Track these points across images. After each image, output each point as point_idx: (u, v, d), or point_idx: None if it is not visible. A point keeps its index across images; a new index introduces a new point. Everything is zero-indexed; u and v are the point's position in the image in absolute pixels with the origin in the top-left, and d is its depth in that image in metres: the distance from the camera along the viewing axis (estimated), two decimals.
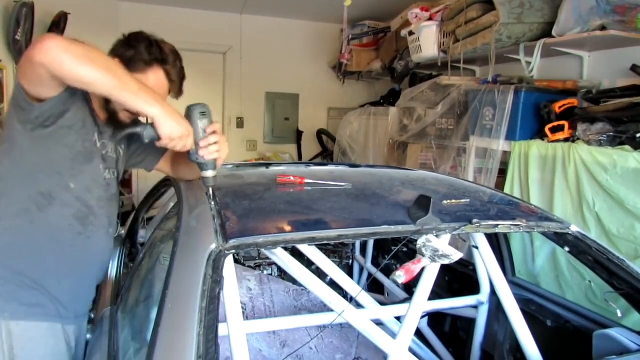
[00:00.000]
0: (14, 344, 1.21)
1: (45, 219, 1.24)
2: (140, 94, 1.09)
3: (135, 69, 1.26)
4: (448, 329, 1.90)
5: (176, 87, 1.37)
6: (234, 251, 1.01)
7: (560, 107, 2.18)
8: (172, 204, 1.84)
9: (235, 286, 1.06)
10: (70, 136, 1.24)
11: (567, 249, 1.37)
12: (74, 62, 1.03)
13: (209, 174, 1.21)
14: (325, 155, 4.94)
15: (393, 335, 1.24)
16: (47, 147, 1.22)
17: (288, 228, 1.12)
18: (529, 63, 2.62)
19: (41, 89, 1.13)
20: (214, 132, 1.20)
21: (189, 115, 1.19)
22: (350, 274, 2.53)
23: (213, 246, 1.01)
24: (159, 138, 1.14)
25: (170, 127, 1.12)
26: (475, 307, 1.65)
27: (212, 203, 1.19)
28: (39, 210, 1.23)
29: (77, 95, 1.23)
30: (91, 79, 1.05)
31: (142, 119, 1.25)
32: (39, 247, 1.25)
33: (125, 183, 4.40)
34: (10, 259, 1.23)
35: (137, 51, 1.29)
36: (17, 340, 1.21)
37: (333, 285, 1.42)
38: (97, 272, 1.43)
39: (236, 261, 2.27)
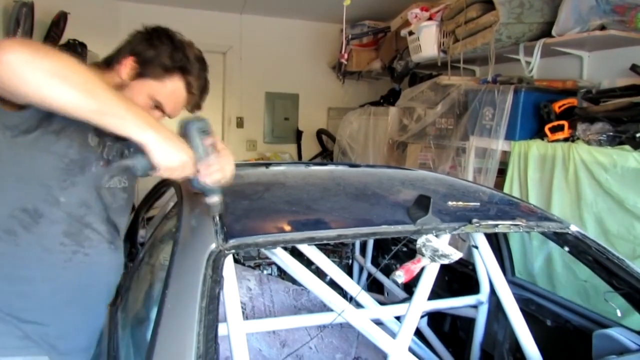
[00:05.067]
0: None
1: (32, 240, 1.04)
2: (127, 118, 0.89)
3: (151, 73, 1.10)
4: (448, 329, 1.90)
5: (195, 100, 1.18)
6: (233, 251, 1.01)
7: (559, 107, 2.18)
8: (172, 204, 1.84)
9: (235, 286, 1.06)
10: (60, 142, 1.02)
11: (566, 248, 1.37)
12: (40, 79, 0.81)
13: (214, 199, 1.03)
14: (325, 155, 4.94)
15: (393, 335, 1.24)
16: (32, 155, 1.01)
17: (288, 228, 1.12)
18: (528, 63, 2.62)
19: (14, 98, 0.90)
20: (213, 147, 1.01)
21: (185, 134, 1.00)
22: (350, 273, 2.52)
23: (213, 246, 1.01)
24: (153, 168, 0.96)
25: (167, 155, 0.92)
26: (475, 306, 1.65)
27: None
28: (25, 230, 1.03)
29: None
30: (63, 102, 0.84)
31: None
32: (29, 274, 1.06)
33: None
34: None
35: (158, 53, 1.11)
36: None
37: (333, 285, 1.42)
38: (104, 295, 1.22)
39: (236, 261, 2.27)
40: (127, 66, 1.11)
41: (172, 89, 1.12)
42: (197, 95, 1.17)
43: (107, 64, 1.15)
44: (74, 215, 1.08)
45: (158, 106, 1.13)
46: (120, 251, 1.23)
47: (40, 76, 0.81)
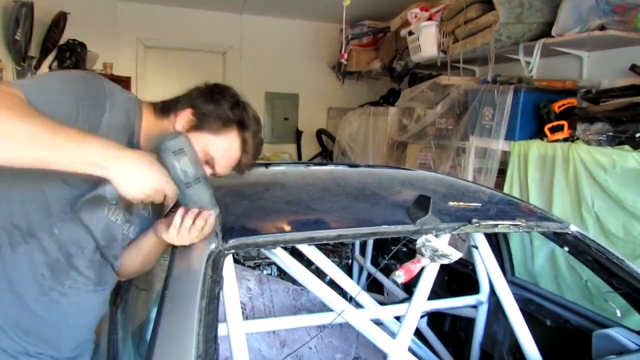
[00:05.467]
0: None
1: (12, 259, 0.96)
2: (76, 159, 0.81)
3: (208, 126, 1.05)
4: (447, 329, 1.90)
5: (247, 160, 1.12)
6: (233, 251, 1.01)
7: (559, 107, 2.18)
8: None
9: (234, 286, 1.06)
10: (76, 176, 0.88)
11: (566, 248, 1.38)
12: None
13: (212, 215, 1.00)
14: (325, 155, 4.94)
15: (392, 335, 1.24)
16: (49, 178, 0.95)
17: (287, 228, 1.12)
18: (528, 63, 2.62)
19: None
20: (195, 165, 0.96)
21: (160, 156, 0.93)
22: (349, 273, 2.52)
23: (212, 246, 1.01)
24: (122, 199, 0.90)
25: (133, 185, 0.87)
26: (475, 306, 1.65)
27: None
28: (9, 247, 0.96)
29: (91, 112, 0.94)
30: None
31: None
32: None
33: None
34: None
35: (217, 106, 1.06)
36: None
37: (332, 285, 1.42)
38: (77, 332, 1.10)
39: (236, 261, 2.27)
40: (184, 118, 1.06)
41: (227, 144, 1.08)
42: (250, 155, 1.12)
43: (163, 110, 1.10)
44: (63, 252, 1.00)
45: (209, 162, 1.08)
46: (108, 289, 1.14)
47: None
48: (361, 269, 2.52)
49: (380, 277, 2.14)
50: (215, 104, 1.07)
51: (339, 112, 5.05)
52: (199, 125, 1.05)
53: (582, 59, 2.51)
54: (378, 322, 1.38)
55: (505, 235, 1.73)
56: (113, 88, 1.00)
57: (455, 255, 1.08)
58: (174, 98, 1.11)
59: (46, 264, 0.99)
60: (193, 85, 1.12)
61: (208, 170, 1.08)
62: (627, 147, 1.84)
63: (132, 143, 1.04)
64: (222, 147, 1.07)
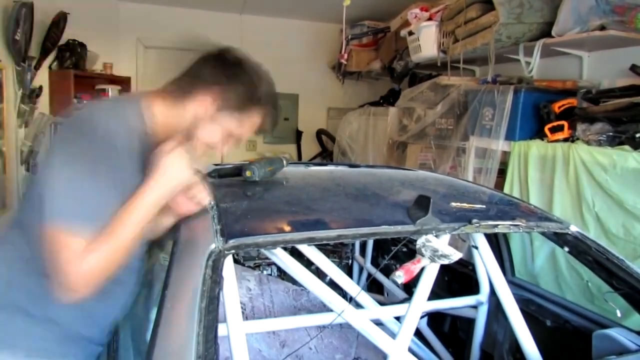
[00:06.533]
0: None
1: None
2: (141, 217, 0.99)
3: (228, 108, 1.10)
4: (447, 329, 1.90)
5: (268, 127, 1.20)
6: (233, 251, 1.01)
7: (559, 107, 2.18)
8: None
9: (234, 286, 1.06)
10: None
11: (566, 249, 1.37)
12: (106, 272, 0.96)
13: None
14: (325, 155, 4.94)
15: (392, 335, 1.24)
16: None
17: (287, 228, 1.12)
18: (528, 63, 2.62)
19: None
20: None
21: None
22: (349, 274, 2.52)
23: (212, 246, 1.01)
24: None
25: (181, 205, 1.13)
26: (475, 307, 1.65)
27: (212, 203, 1.18)
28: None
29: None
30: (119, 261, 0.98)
31: None
32: None
33: None
34: None
35: (236, 86, 1.11)
36: None
37: (332, 285, 1.42)
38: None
39: (236, 261, 2.27)
40: (203, 104, 1.09)
41: (250, 121, 1.13)
42: (272, 121, 1.18)
43: (177, 98, 1.12)
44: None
45: (232, 136, 1.14)
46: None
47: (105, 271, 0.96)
48: (361, 269, 2.51)
49: (380, 277, 2.14)
50: (233, 84, 1.08)
51: (339, 112, 5.05)
52: (220, 108, 1.08)
53: (582, 59, 2.51)
54: (378, 323, 1.38)
55: (505, 235, 1.73)
56: (112, 130, 1.00)
57: (456, 255, 1.08)
58: (186, 81, 1.13)
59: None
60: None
61: (231, 141, 1.16)
62: (627, 147, 1.84)
63: (144, 144, 1.06)
64: (246, 125, 1.12)
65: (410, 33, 3.27)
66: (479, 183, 2.30)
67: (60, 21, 3.74)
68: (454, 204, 1.32)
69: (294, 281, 2.05)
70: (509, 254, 1.75)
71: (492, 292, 1.57)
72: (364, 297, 1.52)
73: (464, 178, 2.48)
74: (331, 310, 1.30)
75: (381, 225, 1.13)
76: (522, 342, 1.40)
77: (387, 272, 1.93)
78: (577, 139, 2.04)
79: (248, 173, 1.30)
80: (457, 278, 1.91)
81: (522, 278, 1.79)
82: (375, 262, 2.39)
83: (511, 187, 2.34)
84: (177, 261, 1.05)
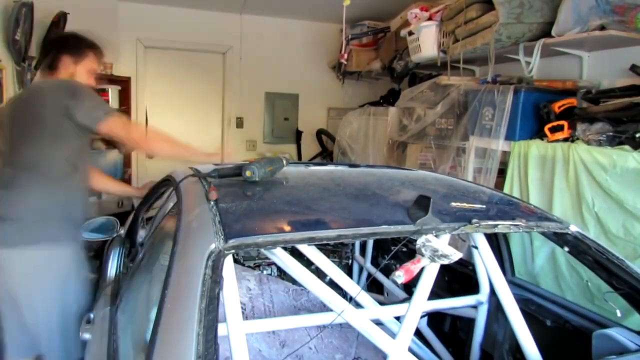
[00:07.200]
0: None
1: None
2: (193, 159, 1.84)
3: (80, 56, 1.93)
4: (447, 329, 1.90)
5: (100, 56, 2.03)
6: (233, 251, 1.01)
7: (559, 107, 2.18)
8: (171, 204, 1.84)
9: (234, 286, 1.06)
10: None
11: (566, 249, 1.37)
12: (166, 153, 1.90)
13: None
14: (325, 155, 4.94)
15: (392, 335, 1.23)
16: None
17: (287, 228, 1.12)
18: (528, 63, 2.62)
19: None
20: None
21: None
22: (349, 273, 2.52)
23: (212, 246, 1.01)
24: None
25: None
26: (475, 307, 1.65)
27: (212, 202, 1.18)
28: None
29: None
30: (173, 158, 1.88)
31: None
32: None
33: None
34: None
35: (77, 43, 1.95)
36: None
37: (332, 285, 1.42)
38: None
39: (235, 261, 2.27)
40: (66, 62, 1.92)
41: (92, 59, 1.98)
42: (101, 53, 2.02)
43: (51, 72, 1.93)
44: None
45: (94, 74, 2.01)
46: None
47: (167, 152, 1.91)
48: (361, 269, 2.52)
49: (380, 277, 2.14)
50: (75, 43, 1.95)
51: (339, 112, 5.05)
52: (76, 60, 1.92)
53: (582, 59, 2.51)
54: (378, 322, 1.38)
55: (505, 235, 1.73)
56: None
57: (455, 255, 1.08)
58: (45, 61, 1.96)
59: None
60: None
61: (91, 75, 2.00)
62: (627, 147, 1.84)
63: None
64: (92, 62, 1.97)
65: (410, 33, 3.27)
66: (479, 183, 2.30)
67: (60, 21, 3.74)
68: (454, 203, 1.32)
69: (294, 281, 2.05)
70: (509, 254, 1.75)
71: (492, 292, 1.57)
72: (364, 297, 1.52)
73: (464, 178, 2.48)
74: (331, 310, 1.30)
75: (381, 225, 1.13)
76: (522, 342, 1.40)
77: (387, 272, 1.93)
78: (577, 138, 2.04)
79: (248, 173, 1.30)
80: (457, 278, 1.91)
81: (522, 278, 1.80)
82: (375, 262, 2.39)
83: (511, 187, 2.34)
84: (177, 261, 1.05)
